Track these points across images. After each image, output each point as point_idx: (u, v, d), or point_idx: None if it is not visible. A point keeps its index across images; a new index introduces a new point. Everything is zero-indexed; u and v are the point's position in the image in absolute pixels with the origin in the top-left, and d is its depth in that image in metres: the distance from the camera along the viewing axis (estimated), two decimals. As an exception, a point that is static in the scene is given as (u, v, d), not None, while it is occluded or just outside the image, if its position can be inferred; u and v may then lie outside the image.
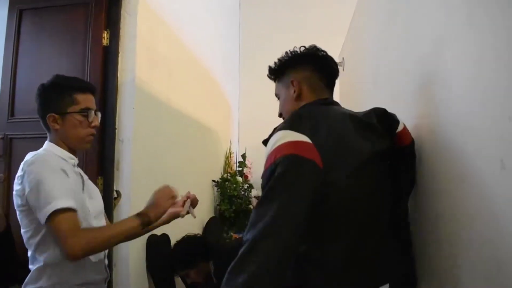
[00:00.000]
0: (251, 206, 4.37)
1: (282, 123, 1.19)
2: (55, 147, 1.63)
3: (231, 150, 4.80)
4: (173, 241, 2.63)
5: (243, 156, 4.88)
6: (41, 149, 1.60)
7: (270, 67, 1.47)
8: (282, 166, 1.04)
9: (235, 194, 4.19)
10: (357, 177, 1.14)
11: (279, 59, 1.45)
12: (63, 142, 1.63)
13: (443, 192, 1.15)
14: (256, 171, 4.97)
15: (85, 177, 1.72)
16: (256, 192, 4.62)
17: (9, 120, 2.48)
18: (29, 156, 1.54)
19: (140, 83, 2.41)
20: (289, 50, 1.43)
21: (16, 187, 1.50)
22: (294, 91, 1.37)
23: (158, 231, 2.55)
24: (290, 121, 1.17)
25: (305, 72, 1.38)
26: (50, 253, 1.52)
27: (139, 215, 1.57)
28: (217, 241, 3.58)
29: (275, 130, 1.16)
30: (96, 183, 2.23)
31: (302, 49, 1.42)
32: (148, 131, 2.54)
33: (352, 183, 1.13)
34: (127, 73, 2.36)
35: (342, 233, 1.14)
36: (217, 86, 4.34)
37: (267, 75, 1.50)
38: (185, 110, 3.16)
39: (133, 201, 2.31)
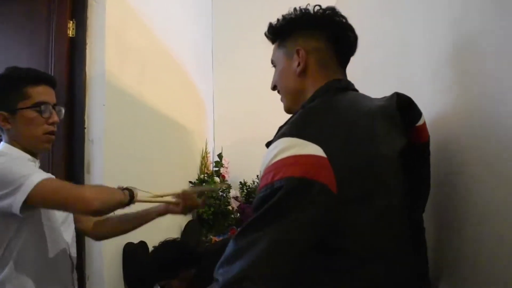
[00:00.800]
0: (229, 207, 4.19)
1: (289, 124, 0.93)
2: (12, 148, 1.43)
3: (207, 149, 4.60)
4: (151, 249, 2.43)
5: (220, 155, 4.69)
6: None
7: (271, 24, 1.18)
8: (282, 193, 0.81)
9: (214, 195, 4.00)
10: (386, 209, 0.89)
11: (284, 16, 1.14)
12: (18, 143, 1.43)
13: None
14: (233, 171, 4.79)
15: None
16: (235, 192, 4.44)
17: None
18: None
19: (111, 78, 2.20)
20: (300, 7, 1.12)
21: None
22: (299, 64, 1.08)
23: (135, 239, 2.35)
24: (300, 123, 0.92)
25: (317, 42, 1.09)
26: (9, 267, 1.34)
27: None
28: (198, 245, 3.38)
29: (280, 132, 0.91)
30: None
31: (317, 9, 1.10)
32: (120, 129, 2.33)
33: (381, 225, 0.89)
34: (96, 67, 2.15)
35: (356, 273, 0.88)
36: (191, 83, 4.14)
37: (265, 34, 1.21)
38: (158, 107, 2.95)
39: (106, 207, 2.10)
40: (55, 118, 1.47)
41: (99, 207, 1.30)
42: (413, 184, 1.02)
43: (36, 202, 1.28)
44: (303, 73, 1.09)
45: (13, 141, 1.44)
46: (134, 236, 2.33)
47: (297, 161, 0.82)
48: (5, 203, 1.27)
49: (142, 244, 2.45)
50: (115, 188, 1.44)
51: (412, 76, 1.42)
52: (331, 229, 0.85)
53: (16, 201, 1.25)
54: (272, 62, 1.21)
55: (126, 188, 1.47)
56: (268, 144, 0.95)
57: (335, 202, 0.82)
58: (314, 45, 1.09)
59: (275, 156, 0.85)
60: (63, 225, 1.54)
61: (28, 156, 1.44)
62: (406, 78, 1.49)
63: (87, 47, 2.15)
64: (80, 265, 1.99)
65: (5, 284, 1.33)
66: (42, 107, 1.43)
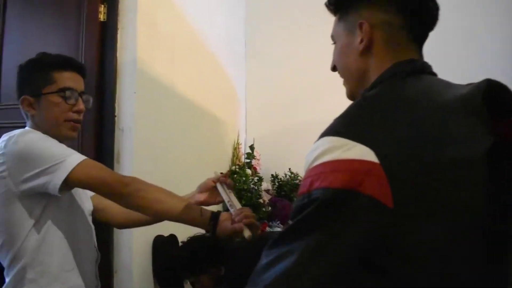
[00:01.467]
0: (261, 200, 4.09)
1: (336, 119, 0.77)
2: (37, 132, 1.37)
3: (239, 140, 4.50)
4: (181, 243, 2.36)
5: (251, 147, 4.58)
6: None
7: None
8: (315, 207, 0.67)
9: (245, 187, 3.91)
10: (456, 227, 0.70)
11: None
12: (42, 129, 1.36)
13: None
14: (264, 163, 4.68)
15: None
16: (266, 185, 4.33)
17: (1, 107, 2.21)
18: (5, 136, 1.31)
19: (142, 64, 2.12)
20: None
21: None
22: (361, 40, 0.88)
23: (165, 231, 2.28)
24: (349, 118, 0.76)
25: (385, 14, 0.88)
26: (31, 252, 1.30)
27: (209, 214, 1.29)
28: (227, 242, 3.30)
29: (325, 130, 0.75)
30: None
31: None
32: (151, 118, 2.25)
33: (447, 246, 0.69)
34: (127, 53, 2.07)
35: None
36: (223, 72, 4.04)
37: (325, 4, 1.02)
38: (190, 96, 2.86)
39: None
40: (81, 106, 1.40)
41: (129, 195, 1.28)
42: (501, 190, 0.77)
43: (79, 181, 1.26)
44: (366, 51, 0.89)
45: (37, 128, 1.38)
46: (164, 229, 2.26)
47: (338, 167, 0.67)
48: (39, 181, 1.23)
49: (172, 237, 2.37)
50: (188, 202, 1.34)
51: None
52: (377, 249, 0.68)
53: (54, 180, 1.22)
54: (332, 38, 1.02)
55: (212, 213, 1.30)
56: None
57: (390, 218, 0.66)
58: (381, 17, 0.88)
59: (315, 159, 0.71)
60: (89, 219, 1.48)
61: None
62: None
63: (119, 32, 2.08)
64: (107, 258, 1.93)
65: (26, 270, 1.28)
66: (67, 92, 1.36)
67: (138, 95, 2.07)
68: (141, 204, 1.29)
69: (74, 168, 1.23)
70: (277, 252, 0.69)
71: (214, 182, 1.47)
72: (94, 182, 1.27)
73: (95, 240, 1.53)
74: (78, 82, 1.41)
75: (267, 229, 3.56)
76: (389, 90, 0.81)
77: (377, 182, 0.65)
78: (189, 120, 2.91)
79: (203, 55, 3.31)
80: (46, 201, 1.30)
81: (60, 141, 1.39)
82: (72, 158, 1.25)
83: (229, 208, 1.32)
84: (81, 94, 1.41)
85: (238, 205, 1.33)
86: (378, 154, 0.66)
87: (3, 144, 1.29)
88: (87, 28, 2.05)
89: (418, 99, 0.77)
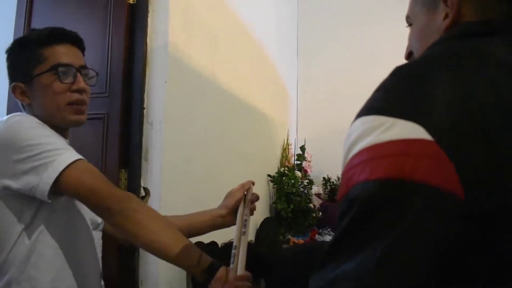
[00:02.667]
0: (311, 205, 3.80)
1: (373, 92, 0.63)
2: None
3: (288, 141, 4.23)
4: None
5: (302, 148, 4.30)
6: None
7: None
8: (355, 211, 0.50)
9: (294, 191, 3.63)
10: None
11: None
12: (42, 121, 1.14)
13: None
14: (316, 165, 4.40)
15: None
16: (317, 188, 4.04)
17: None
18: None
19: (175, 51, 1.90)
20: None
21: None
22: (447, 16, 0.68)
23: (205, 238, 2.04)
24: (388, 88, 0.61)
25: None
26: (18, 266, 1.08)
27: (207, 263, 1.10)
28: (271, 249, 3.05)
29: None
30: (118, 178, 1.75)
31: None
32: (184, 112, 2.02)
33: None
34: (158, 38, 1.86)
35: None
36: (272, 68, 3.79)
37: None
38: (233, 90, 2.62)
39: (164, 201, 1.80)
40: (81, 83, 1.18)
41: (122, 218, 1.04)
42: None
43: (67, 186, 1.03)
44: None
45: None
46: (205, 235, 2.03)
47: (377, 153, 0.51)
48: (26, 181, 1.02)
49: (213, 245, 2.14)
50: (189, 242, 1.11)
51: None
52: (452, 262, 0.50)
53: (43, 181, 1.00)
54: (407, 19, 0.85)
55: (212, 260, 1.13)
56: None
57: (464, 206, 0.47)
58: None
59: (350, 149, 0.55)
60: (95, 232, 1.26)
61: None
62: None
63: (149, 15, 1.87)
64: (131, 267, 1.73)
65: (10, 287, 1.07)
66: (61, 69, 1.14)
67: (170, 85, 1.85)
68: (131, 229, 1.05)
69: (64, 170, 1.01)
70: (321, 281, 0.52)
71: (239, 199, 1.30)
72: (83, 190, 1.04)
73: (100, 252, 1.31)
74: (75, 55, 1.19)
75: (317, 236, 3.28)
76: (446, 50, 0.62)
77: (436, 166, 0.48)
78: (232, 116, 2.67)
79: (250, 48, 3.07)
80: (38, 203, 1.08)
81: (64, 134, 1.18)
82: (65, 157, 1.03)
83: (232, 255, 1.15)
84: (80, 69, 1.19)
85: (241, 267, 1.12)
86: (429, 131, 0.49)
87: None
88: (115, 11, 1.85)
89: (484, 60, 0.57)
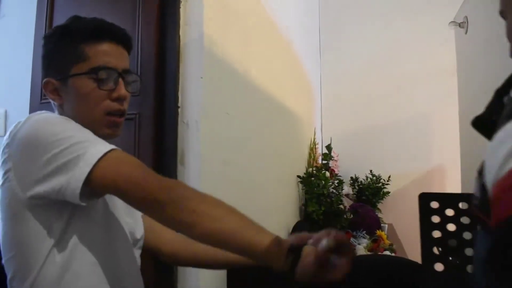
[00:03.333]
0: (341, 206, 3.62)
1: None
2: None
3: (315, 139, 4.06)
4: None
5: (328, 147, 4.12)
6: None
7: None
8: None
9: (325, 192, 3.45)
10: None
11: None
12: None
13: None
14: (343, 165, 4.24)
15: None
16: (347, 189, 3.87)
17: (43, 101, 1.90)
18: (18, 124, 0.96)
19: (210, 44, 1.73)
20: None
21: (1, 157, 0.95)
22: None
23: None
24: None
25: None
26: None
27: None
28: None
29: None
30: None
31: None
32: (221, 110, 1.85)
33: None
34: (192, 29, 1.69)
35: None
36: (299, 64, 3.61)
37: None
38: (264, 86, 2.45)
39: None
40: (122, 91, 1.02)
41: (205, 227, 0.84)
42: None
43: (102, 181, 0.87)
44: None
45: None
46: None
47: None
48: (54, 182, 0.87)
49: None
50: (259, 225, 0.88)
51: None
52: None
53: (74, 178, 0.85)
54: (501, 13, 0.72)
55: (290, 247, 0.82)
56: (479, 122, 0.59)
57: None
58: None
59: (506, 160, 0.43)
60: (136, 249, 1.09)
61: None
62: None
63: (181, 5, 1.70)
64: (169, 281, 1.57)
65: None
66: (102, 73, 0.98)
67: (206, 81, 1.68)
68: (187, 219, 0.84)
69: (98, 162, 0.86)
70: None
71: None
72: (123, 182, 0.87)
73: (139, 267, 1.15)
74: (119, 57, 1.03)
75: (352, 239, 3.10)
76: None
77: None
78: (264, 114, 2.51)
79: (278, 42, 2.90)
80: (69, 212, 0.93)
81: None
82: (96, 149, 0.88)
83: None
84: (122, 74, 1.03)
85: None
86: None
87: (8, 133, 0.95)
88: (144, 1, 1.69)
89: None
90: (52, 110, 1.07)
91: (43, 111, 1.00)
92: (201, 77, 1.66)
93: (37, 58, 1.85)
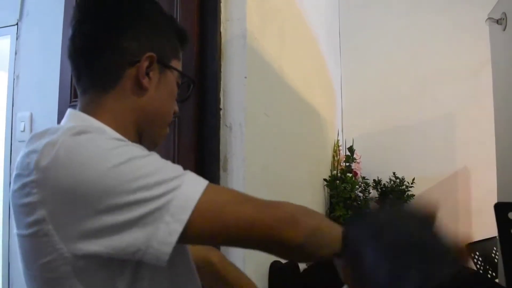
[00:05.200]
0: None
1: None
2: (110, 130, 0.79)
3: (338, 141, 3.94)
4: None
5: (351, 148, 4.00)
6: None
7: None
8: None
9: (352, 196, 3.34)
10: None
11: None
12: (132, 120, 0.82)
13: None
14: (365, 167, 4.12)
15: None
16: (373, 192, 3.75)
17: (72, 103, 1.78)
18: (34, 142, 0.69)
19: (252, 41, 1.62)
20: None
21: (22, 197, 0.66)
22: None
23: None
24: None
25: None
26: None
27: None
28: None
29: None
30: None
31: None
32: (260, 112, 1.73)
33: None
34: (234, 26, 1.58)
35: None
36: (323, 63, 3.50)
37: None
38: (297, 86, 2.33)
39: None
40: (177, 107, 0.92)
41: (306, 236, 0.67)
42: None
43: (202, 231, 0.66)
44: None
45: (114, 120, 0.80)
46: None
47: None
48: (123, 241, 0.63)
49: (291, 263, 1.87)
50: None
51: None
52: None
53: (160, 238, 0.62)
54: None
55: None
56: None
57: None
58: None
59: None
60: None
61: (117, 135, 0.79)
62: None
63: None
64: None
65: None
66: (183, 80, 0.89)
67: (250, 81, 1.56)
68: (322, 252, 0.70)
69: (196, 206, 0.64)
70: None
71: None
72: (236, 228, 0.67)
73: None
74: None
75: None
76: None
77: None
78: (297, 115, 2.39)
79: (308, 41, 2.79)
80: (132, 272, 0.70)
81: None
82: (186, 188, 0.65)
83: None
84: (192, 82, 0.96)
85: None
86: None
87: (33, 161, 0.66)
88: (183, -5, 1.57)
89: None
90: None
91: (78, 124, 0.76)
92: (245, 77, 1.54)
93: (66, 57, 1.74)
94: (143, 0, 0.84)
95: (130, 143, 0.72)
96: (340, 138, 4.28)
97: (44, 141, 0.67)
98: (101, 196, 0.62)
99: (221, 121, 1.54)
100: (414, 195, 3.98)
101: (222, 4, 1.58)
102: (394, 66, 4.34)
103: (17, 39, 2.02)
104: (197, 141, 1.52)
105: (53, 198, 0.64)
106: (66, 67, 1.76)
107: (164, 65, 0.83)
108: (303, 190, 2.53)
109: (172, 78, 0.85)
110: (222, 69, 1.55)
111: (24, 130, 1.97)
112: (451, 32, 4.01)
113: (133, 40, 0.80)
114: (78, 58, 0.83)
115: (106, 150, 0.66)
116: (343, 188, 3.35)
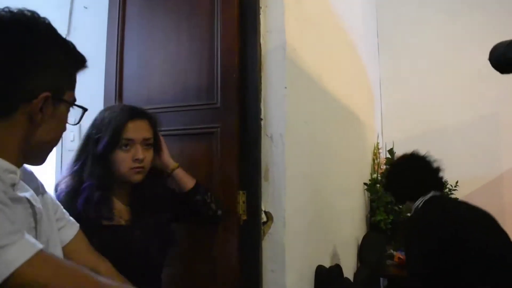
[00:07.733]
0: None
1: None
2: None
3: (378, 145, 3.90)
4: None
5: (391, 151, 3.95)
6: None
7: None
8: None
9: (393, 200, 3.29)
10: None
11: None
12: (21, 148, 0.85)
13: None
14: (404, 170, 4.03)
15: (42, 205, 0.91)
16: (412, 195, 3.68)
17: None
18: None
19: (292, 52, 1.64)
20: None
21: None
22: None
23: (327, 262, 1.80)
24: None
25: None
26: None
27: None
28: (379, 264, 2.75)
29: None
30: (236, 201, 1.50)
31: None
32: (300, 120, 1.75)
33: None
34: (274, 37, 1.60)
35: None
36: (361, 67, 3.47)
37: None
38: (336, 92, 2.34)
39: (289, 227, 1.54)
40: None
41: None
42: None
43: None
44: None
45: (11, 148, 0.83)
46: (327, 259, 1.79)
47: None
48: None
49: (337, 268, 1.88)
50: None
51: None
52: None
53: None
54: None
55: None
56: None
57: None
58: None
59: None
60: None
61: (5, 164, 0.81)
62: None
63: (261, 11, 1.61)
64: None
65: None
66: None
67: (290, 91, 1.58)
68: None
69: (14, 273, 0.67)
70: None
71: None
72: None
73: None
74: None
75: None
76: None
77: None
78: (336, 121, 2.39)
79: (346, 45, 2.78)
80: None
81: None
82: (6, 258, 0.67)
83: None
84: None
85: None
86: None
87: None
88: (223, 7, 1.60)
89: None
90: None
91: None
92: (285, 87, 1.56)
93: (110, 62, 1.81)
94: (39, 35, 0.84)
95: None
96: (380, 141, 4.23)
97: None
98: None
99: (262, 131, 1.56)
100: (458, 198, 3.89)
101: (261, 16, 1.61)
102: (434, 66, 4.25)
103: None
104: (239, 151, 1.55)
105: None
106: (111, 69, 1.82)
107: (59, 100, 0.86)
108: (343, 195, 2.53)
109: (64, 108, 0.89)
110: (262, 80, 1.58)
111: (73, 140, 2.06)
112: (494, 28, 3.88)
113: (30, 79, 0.82)
114: None
115: None
116: (384, 192, 3.31)
